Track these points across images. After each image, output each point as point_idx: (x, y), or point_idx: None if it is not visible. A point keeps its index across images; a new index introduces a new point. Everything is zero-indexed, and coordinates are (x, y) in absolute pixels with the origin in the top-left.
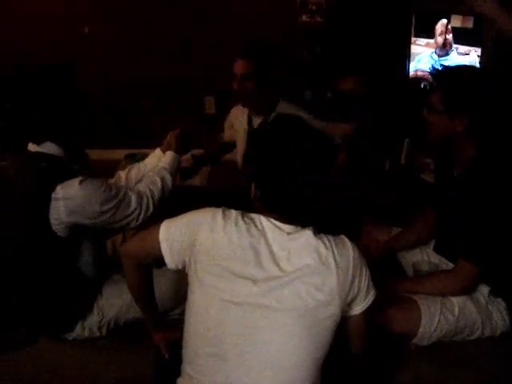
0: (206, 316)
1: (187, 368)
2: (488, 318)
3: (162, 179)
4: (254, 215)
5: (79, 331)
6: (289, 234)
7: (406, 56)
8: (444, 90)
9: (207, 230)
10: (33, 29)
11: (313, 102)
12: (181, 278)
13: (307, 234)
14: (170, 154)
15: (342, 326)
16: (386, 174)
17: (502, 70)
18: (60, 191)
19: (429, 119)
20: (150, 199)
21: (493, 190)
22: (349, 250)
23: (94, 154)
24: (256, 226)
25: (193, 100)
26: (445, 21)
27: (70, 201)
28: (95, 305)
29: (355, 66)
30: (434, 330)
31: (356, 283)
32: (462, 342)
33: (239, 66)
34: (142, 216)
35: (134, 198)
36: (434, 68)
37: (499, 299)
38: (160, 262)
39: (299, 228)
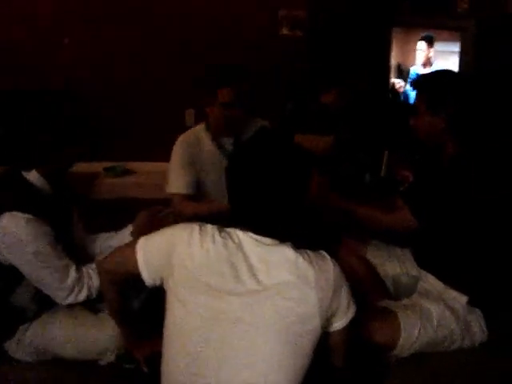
0: (185, 331)
1: None
2: (467, 327)
3: None
4: (230, 230)
5: (14, 352)
6: (268, 245)
7: (386, 68)
8: (423, 92)
9: (184, 246)
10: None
11: (294, 115)
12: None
13: (286, 249)
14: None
15: (323, 340)
16: (367, 186)
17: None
18: (4, 219)
19: (415, 122)
20: (85, 289)
21: (470, 185)
22: (329, 265)
23: (73, 167)
24: (233, 240)
25: (173, 113)
26: (423, 44)
27: (7, 233)
28: (29, 329)
29: (336, 78)
30: (414, 342)
31: (336, 299)
32: (442, 353)
33: (225, 94)
34: (70, 299)
35: (72, 278)
36: (412, 79)
37: (477, 309)
38: (137, 277)
39: (278, 242)
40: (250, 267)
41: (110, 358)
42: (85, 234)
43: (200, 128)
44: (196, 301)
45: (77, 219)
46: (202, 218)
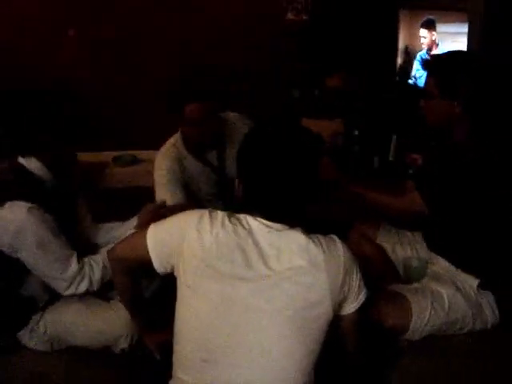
0: (196, 318)
1: (178, 371)
2: (478, 310)
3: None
4: (240, 216)
5: (28, 342)
6: (278, 231)
7: (394, 52)
8: (436, 75)
9: (194, 232)
10: (20, 29)
11: (300, 100)
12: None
13: (297, 233)
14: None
15: (336, 325)
16: (375, 171)
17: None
18: (6, 208)
19: (426, 106)
20: (86, 280)
21: (483, 169)
22: (339, 250)
23: (82, 156)
24: (243, 225)
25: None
26: (424, 31)
27: (9, 221)
28: (42, 318)
29: (342, 63)
30: (425, 325)
31: (347, 283)
32: (453, 335)
33: (198, 111)
34: (70, 290)
35: (72, 269)
36: (422, 59)
37: (488, 292)
38: (148, 265)
39: (288, 227)
40: (261, 253)
41: (124, 344)
42: (91, 224)
43: (179, 146)
44: (206, 287)
45: (84, 209)
46: None
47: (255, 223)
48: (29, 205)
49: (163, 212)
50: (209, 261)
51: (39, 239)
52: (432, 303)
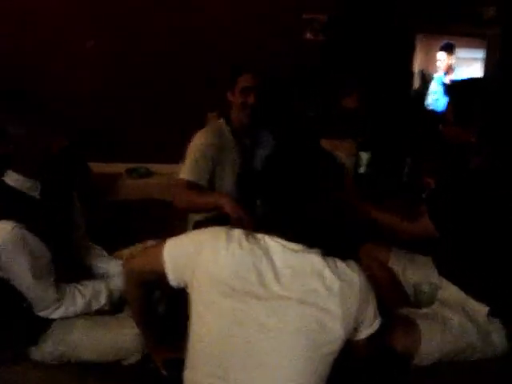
0: (209, 335)
1: None
2: (487, 338)
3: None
4: (258, 235)
5: (35, 355)
6: (295, 251)
7: (409, 75)
8: (453, 103)
9: (210, 250)
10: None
11: (316, 121)
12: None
13: (314, 256)
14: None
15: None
16: (388, 193)
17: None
18: None
19: (444, 131)
20: (61, 310)
21: (496, 199)
22: (356, 278)
23: (95, 167)
24: (260, 245)
25: (195, 115)
26: (443, 54)
27: None
28: (50, 335)
29: (358, 84)
30: (434, 351)
31: (361, 312)
32: (462, 363)
33: (249, 79)
34: (42, 313)
35: (50, 298)
36: (444, 83)
37: (497, 320)
38: (162, 279)
39: (306, 247)
40: (276, 273)
41: (132, 358)
42: (84, 238)
43: (222, 123)
44: (219, 304)
45: (81, 218)
46: (197, 211)
47: (272, 243)
48: (12, 224)
49: None
50: (223, 278)
51: (20, 261)
52: (442, 329)
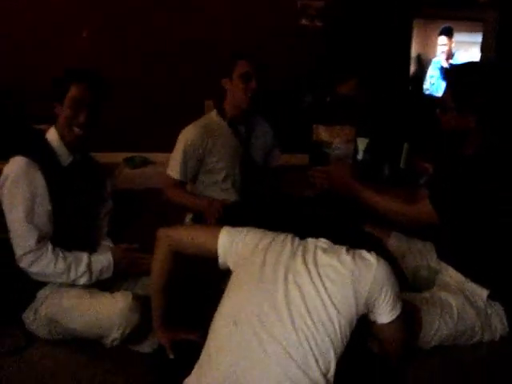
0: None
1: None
2: (487, 321)
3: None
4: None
5: (31, 324)
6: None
7: (407, 60)
8: (453, 88)
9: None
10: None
11: (312, 107)
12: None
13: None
14: (104, 255)
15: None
16: (386, 178)
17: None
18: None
19: (441, 117)
20: (42, 263)
21: (494, 183)
22: (371, 265)
23: (93, 156)
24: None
25: (192, 103)
26: (444, 38)
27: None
28: (45, 301)
29: (355, 69)
30: (434, 334)
31: (372, 295)
32: (462, 346)
33: (243, 65)
34: (22, 263)
35: (30, 245)
36: (442, 68)
37: (497, 303)
38: (205, 255)
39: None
40: (305, 251)
41: (115, 334)
42: (104, 236)
43: (213, 115)
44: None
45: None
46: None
47: (310, 240)
48: (24, 159)
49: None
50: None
51: (20, 191)
52: (441, 313)
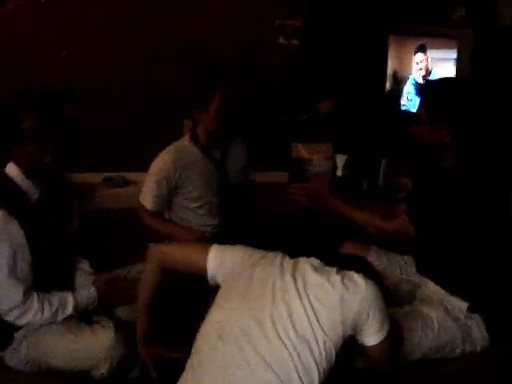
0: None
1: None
2: (468, 333)
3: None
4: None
5: (9, 361)
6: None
7: (383, 77)
8: (427, 103)
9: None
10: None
11: (289, 125)
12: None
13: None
14: (89, 293)
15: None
16: (364, 194)
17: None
18: None
19: (416, 131)
20: (28, 317)
21: (472, 196)
22: (360, 287)
23: (72, 177)
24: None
25: (171, 123)
26: (421, 55)
27: None
28: (24, 339)
29: (332, 88)
30: (416, 348)
31: (360, 317)
32: (444, 359)
33: (225, 98)
34: (8, 318)
35: (15, 301)
36: (417, 83)
37: (476, 315)
38: (194, 272)
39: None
40: (295, 269)
41: (103, 370)
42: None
43: (185, 141)
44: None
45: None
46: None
47: (302, 259)
48: (0, 213)
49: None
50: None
51: (1, 250)
52: (422, 326)
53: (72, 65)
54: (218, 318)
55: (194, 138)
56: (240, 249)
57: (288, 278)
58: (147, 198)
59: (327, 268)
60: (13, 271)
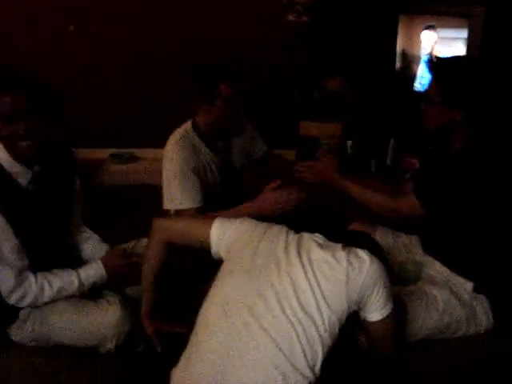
0: (225, 287)
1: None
2: (472, 314)
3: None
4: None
5: (15, 337)
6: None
7: (393, 56)
8: (439, 82)
9: (252, 237)
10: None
11: (300, 102)
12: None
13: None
14: (95, 269)
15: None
16: (373, 174)
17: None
18: None
19: (426, 111)
20: (29, 298)
21: (480, 177)
22: (364, 264)
23: (80, 152)
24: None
25: (180, 100)
26: (431, 32)
27: None
28: (30, 316)
29: (342, 65)
30: (420, 327)
31: (364, 292)
32: (448, 339)
33: (232, 88)
34: (11, 300)
35: (9, 285)
36: (428, 60)
37: (483, 296)
38: (197, 246)
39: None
40: (300, 246)
41: (109, 345)
42: (82, 229)
43: (191, 134)
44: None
45: (76, 210)
46: None
47: (305, 235)
48: None
49: (132, 261)
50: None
51: None
52: (426, 306)
53: (81, 41)
54: (221, 293)
55: (196, 128)
56: (244, 222)
57: (293, 253)
58: (189, 197)
59: (332, 244)
60: None
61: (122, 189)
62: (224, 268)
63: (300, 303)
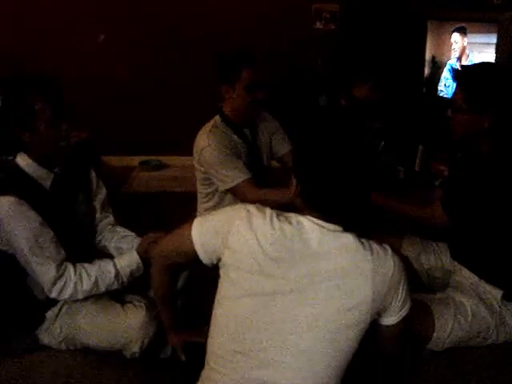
0: (234, 310)
1: (210, 362)
2: (502, 322)
3: (101, 278)
4: (289, 214)
5: (43, 339)
6: (331, 231)
7: (421, 62)
8: (466, 89)
9: (240, 227)
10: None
11: (327, 109)
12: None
13: (349, 236)
14: (130, 257)
15: (374, 333)
16: (401, 181)
17: None
18: None
19: (454, 118)
20: (70, 288)
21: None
22: (389, 261)
23: (109, 160)
24: (291, 223)
25: (205, 107)
26: (457, 35)
27: None
28: (58, 318)
29: (369, 72)
30: (448, 335)
31: (390, 296)
32: (476, 347)
33: (254, 74)
34: (53, 293)
35: (51, 275)
36: (453, 68)
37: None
38: (191, 258)
39: (341, 229)
40: (308, 251)
41: (134, 349)
42: (110, 226)
43: (219, 124)
44: (247, 280)
45: (105, 208)
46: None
47: (306, 222)
48: (11, 199)
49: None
50: (252, 256)
51: (17, 232)
52: (455, 314)
53: (113, 52)
54: (240, 308)
55: (223, 117)
56: (225, 214)
57: (314, 256)
58: (238, 172)
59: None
60: (37, 251)
61: (151, 196)
62: (231, 277)
63: (326, 314)
